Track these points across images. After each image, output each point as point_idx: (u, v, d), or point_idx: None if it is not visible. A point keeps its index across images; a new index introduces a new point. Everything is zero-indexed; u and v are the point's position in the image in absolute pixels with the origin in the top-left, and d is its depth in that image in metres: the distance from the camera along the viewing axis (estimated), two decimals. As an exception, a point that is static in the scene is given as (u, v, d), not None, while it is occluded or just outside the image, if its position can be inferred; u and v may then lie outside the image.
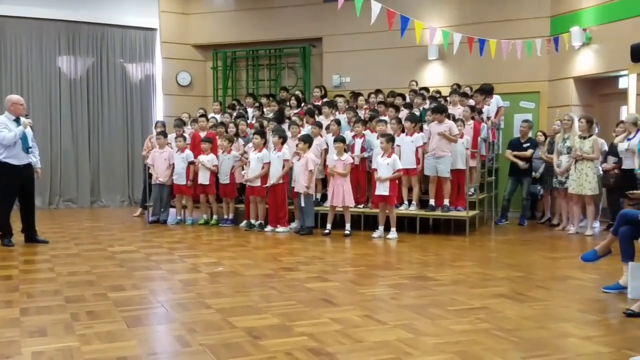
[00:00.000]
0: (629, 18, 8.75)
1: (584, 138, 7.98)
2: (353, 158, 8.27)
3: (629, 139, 7.67)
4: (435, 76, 11.06)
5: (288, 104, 10.34)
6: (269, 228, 8.38)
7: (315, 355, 3.21)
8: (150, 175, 9.72)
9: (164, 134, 9.67)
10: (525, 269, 5.77)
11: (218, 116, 10.69)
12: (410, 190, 8.38)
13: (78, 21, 12.15)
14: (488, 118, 9.36)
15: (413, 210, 8.30)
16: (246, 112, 10.74)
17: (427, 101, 9.57)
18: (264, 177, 8.42)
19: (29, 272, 5.54)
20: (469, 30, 9.43)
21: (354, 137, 8.66)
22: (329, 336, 3.53)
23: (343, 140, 8.13)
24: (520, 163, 9.14)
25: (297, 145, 8.21)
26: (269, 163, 8.37)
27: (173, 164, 9.31)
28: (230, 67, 12.76)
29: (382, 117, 8.81)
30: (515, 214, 9.60)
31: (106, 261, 6.09)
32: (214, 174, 9.04)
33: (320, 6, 11.76)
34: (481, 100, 9.43)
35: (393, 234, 7.75)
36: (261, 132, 8.67)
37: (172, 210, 9.61)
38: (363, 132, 8.61)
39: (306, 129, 8.85)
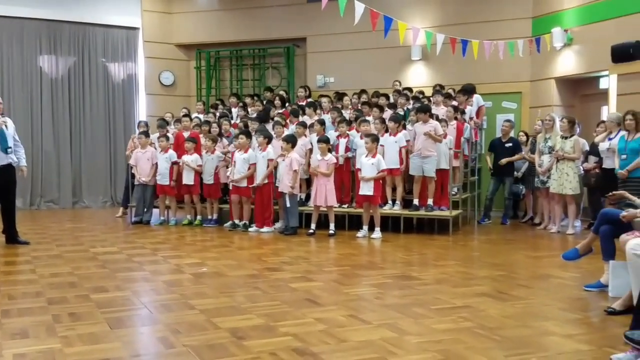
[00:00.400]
0: (610, 19, 8.86)
1: (566, 138, 8.07)
2: (337, 158, 8.29)
3: (609, 139, 7.77)
4: (418, 76, 11.11)
5: (272, 102, 10.33)
6: (253, 228, 8.36)
7: (299, 355, 3.22)
8: (133, 176, 9.65)
9: (146, 133, 9.60)
10: (507, 268, 5.82)
11: (201, 116, 10.64)
12: (394, 190, 8.42)
13: (59, 20, 12.02)
14: (471, 118, 9.42)
15: (397, 210, 8.33)
16: (230, 112, 10.71)
17: (411, 101, 9.62)
18: (250, 177, 8.41)
19: (10, 274, 5.48)
20: (451, 31, 9.49)
21: (338, 137, 8.67)
22: (313, 336, 3.54)
23: (327, 140, 8.14)
24: (503, 160, 9.23)
25: (282, 147, 8.21)
26: (254, 164, 8.35)
27: (156, 163, 9.26)
28: (213, 67, 12.71)
29: (366, 117, 8.83)
30: (498, 214, 9.68)
31: (88, 262, 6.03)
32: (199, 174, 9.00)
33: (304, 6, 11.76)
34: (464, 101, 9.49)
35: (377, 233, 7.77)
36: (246, 132, 8.66)
37: (155, 211, 9.55)
38: (347, 132, 8.63)
39: (290, 129, 8.85)
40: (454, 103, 9.28)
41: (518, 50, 9.38)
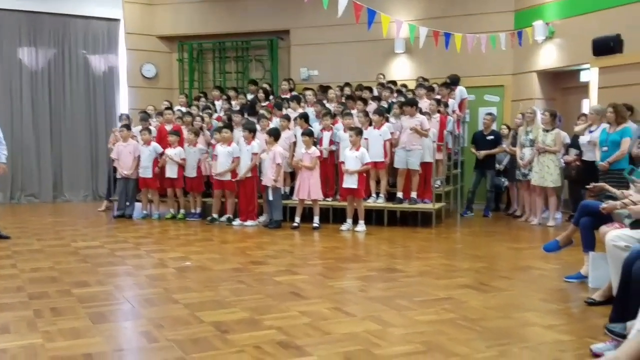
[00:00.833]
0: (591, 12, 8.93)
1: (547, 131, 8.14)
2: (321, 151, 8.29)
3: (590, 132, 7.86)
4: (402, 70, 11.14)
5: (257, 96, 10.27)
6: (237, 222, 8.34)
7: (283, 348, 3.22)
8: (115, 169, 9.56)
9: (127, 126, 9.51)
10: (489, 260, 5.88)
11: (184, 109, 10.56)
12: (378, 183, 8.44)
13: (39, 12, 11.82)
14: (453, 111, 9.47)
15: (381, 203, 8.36)
16: (213, 104, 10.65)
17: (395, 94, 9.64)
18: (234, 171, 8.38)
19: (-10, 269, 5.41)
20: (435, 24, 9.52)
21: (322, 130, 8.66)
22: (297, 329, 3.54)
23: (311, 133, 8.13)
24: (482, 153, 9.29)
25: (265, 140, 8.19)
26: (238, 157, 8.33)
27: (138, 157, 9.18)
28: (196, 59, 12.62)
29: (350, 111, 8.83)
30: (480, 206, 9.76)
31: (70, 257, 5.97)
32: (182, 168, 8.94)
33: (287, -2, 11.71)
34: (446, 94, 9.53)
35: (361, 226, 7.80)
36: (230, 126, 8.61)
37: (137, 205, 9.48)
38: (331, 125, 8.62)
39: (274, 122, 8.82)
40: (437, 96, 9.31)
41: (500, 43, 9.44)
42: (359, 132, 7.89)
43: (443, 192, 8.74)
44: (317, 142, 8.35)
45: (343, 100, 9.61)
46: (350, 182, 7.77)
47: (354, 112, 8.76)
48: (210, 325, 3.63)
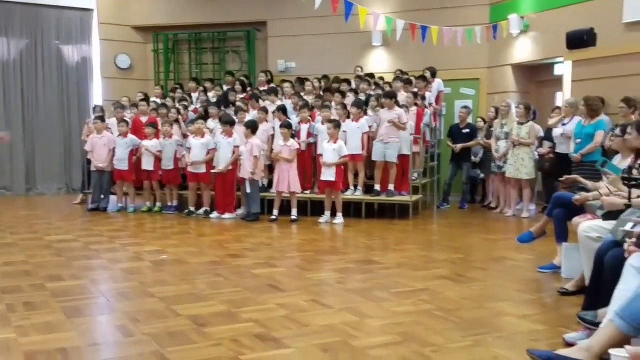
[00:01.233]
0: (565, 6, 9.03)
1: (522, 124, 8.24)
2: (299, 144, 8.27)
3: (563, 124, 7.97)
4: (379, 62, 11.15)
5: (232, 87, 10.20)
6: (214, 214, 8.29)
7: (261, 340, 3.22)
8: (89, 161, 9.41)
9: (101, 118, 9.37)
10: (464, 251, 5.95)
11: (159, 100, 10.44)
12: (355, 175, 8.46)
13: (10, 1, 11.55)
14: (430, 104, 9.52)
15: (358, 195, 8.38)
16: (189, 96, 10.54)
17: (372, 87, 9.65)
18: (209, 162, 8.32)
19: (-40, 264, 5.30)
20: (411, 17, 9.54)
21: (300, 122, 8.64)
22: (275, 321, 3.55)
23: (289, 125, 8.10)
24: (458, 146, 9.37)
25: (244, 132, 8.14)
26: (214, 149, 8.27)
27: (113, 149, 9.05)
28: (172, 50, 12.47)
29: (327, 103, 8.82)
30: (456, 198, 9.85)
31: (43, 250, 5.88)
32: (158, 160, 8.85)
33: (264, -11, 11.63)
34: (423, 87, 9.57)
35: (339, 219, 7.81)
36: (204, 117, 8.53)
37: (112, 198, 9.36)
38: (309, 117, 8.61)
39: (251, 114, 8.78)
40: (414, 89, 9.35)
41: (476, 36, 9.50)
42: (336, 124, 7.89)
43: (420, 185, 8.80)
44: (295, 135, 8.33)
45: (320, 93, 9.59)
46: (328, 174, 7.78)
47: (332, 104, 8.76)
48: (186, 318, 3.61)
